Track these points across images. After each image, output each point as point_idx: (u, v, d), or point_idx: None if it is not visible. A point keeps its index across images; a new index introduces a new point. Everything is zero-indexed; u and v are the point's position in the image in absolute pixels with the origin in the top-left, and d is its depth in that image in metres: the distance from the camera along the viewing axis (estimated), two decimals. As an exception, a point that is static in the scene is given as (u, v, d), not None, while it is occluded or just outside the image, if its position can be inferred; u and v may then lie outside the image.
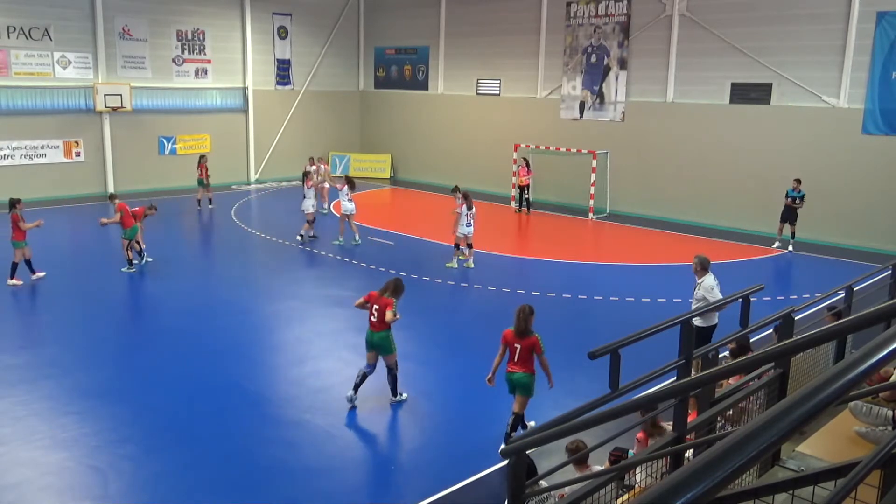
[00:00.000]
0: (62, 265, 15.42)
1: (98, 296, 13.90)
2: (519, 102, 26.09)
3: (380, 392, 9.87)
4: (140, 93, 25.21)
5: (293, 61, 29.33)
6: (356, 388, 9.26)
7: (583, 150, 23.59)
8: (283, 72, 29.19)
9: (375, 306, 9.21)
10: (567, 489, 5.21)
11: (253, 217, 22.70)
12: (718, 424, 4.89)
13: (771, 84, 20.23)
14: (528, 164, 23.56)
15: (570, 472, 5.99)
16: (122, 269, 15.35)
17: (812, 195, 18.78)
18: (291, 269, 16.27)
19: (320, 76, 30.16)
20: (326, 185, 22.51)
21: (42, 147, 23.70)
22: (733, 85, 20.96)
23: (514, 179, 24.53)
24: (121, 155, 25.14)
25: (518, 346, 8.10)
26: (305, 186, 19.03)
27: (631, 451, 6.25)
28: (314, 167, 22.11)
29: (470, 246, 16.18)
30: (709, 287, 9.68)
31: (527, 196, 23.62)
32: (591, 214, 22.81)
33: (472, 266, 16.08)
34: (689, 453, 4.43)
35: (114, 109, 24.52)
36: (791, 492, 2.90)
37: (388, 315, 9.03)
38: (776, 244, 18.61)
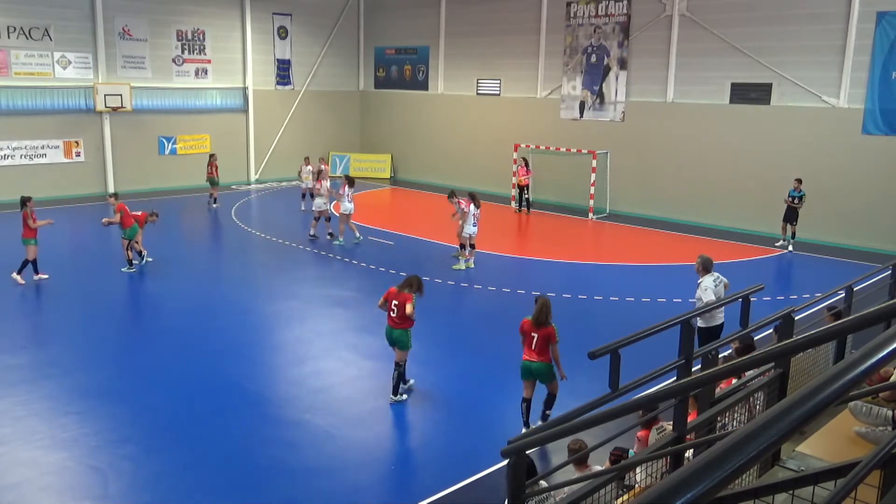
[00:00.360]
0: (62, 265, 15.41)
1: (98, 296, 13.90)
2: (519, 102, 26.09)
3: (380, 392, 9.87)
4: (140, 93, 25.21)
5: (293, 61, 29.33)
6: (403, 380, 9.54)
7: (583, 150, 23.59)
8: (283, 72, 29.19)
9: (395, 302, 9.26)
10: (567, 489, 5.21)
11: (253, 217, 22.70)
12: (719, 424, 4.88)
13: (771, 84, 20.23)
14: (527, 164, 23.56)
15: (571, 472, 5.99)
16: (122, 270, 15.36)
17: (812, 195, 18.81)
18: (291, 269, 16.27)
19: (320, 76, 30.17)
20: (328, 185, 22.45)
21: (42, 147, 23.71)
22: (733, 85, 20.96)
23: (513, 179, 24.54)
24: (121, 155, 25.15)
25: (535, 336, 8.31)
26: (317, 185, 19.21)
27: (631, 451, 6.25)
28: (325, 167, 22.22)
29: (472, 246, 16.16)
30: (703, 288, 9.70)
31: (527, 196, 23.62)
32: (591, 214, 22.81)
33: (472, 266, 16.08)
34: (689, 453, 4.43)
35: (114, 109, 24.52)
36: (791, 492, 2.90)
37: (409, 308, 9.08)
38: (780, 243, 18.63)
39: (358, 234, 18.29)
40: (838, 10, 18.88)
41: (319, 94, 30.19)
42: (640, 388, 5.53)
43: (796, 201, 18.21)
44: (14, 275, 14.23)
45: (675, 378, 5.90)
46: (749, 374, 5.68)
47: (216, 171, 23.21)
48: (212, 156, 23.78)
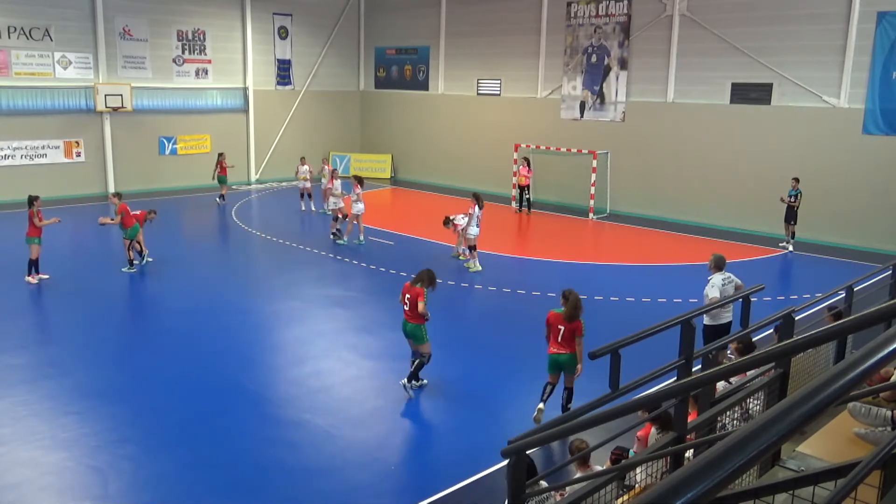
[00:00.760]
0: (63, 265, 15.41)
1: (98, 296, 13.90)
2: (519, 102, 26.09)
3: (380, 392, 9.88)
4: (140, 93, 25.21)
5: (293, 61, 29.33)
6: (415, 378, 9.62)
7: (583, 150, 23.59)
8: (284, 72, 29.19)
9: (408, 296, 9.42)
10: (567, 489, 5.21)
11: (253, 217, 22.70)
12: (719, 424, 4.88)
13: (771, 84, 20.22)
14: (528, 163, 23.56)
15: (571, 472, 5.99)
16: (123, 269, 15.36)
17: (813, 195, 18.83)
18: (291, 269, 16.27)
19: (320, 76, 30.16)
20: (330, 185, 22.48)
21: (42, 147, 23.71)
22: (733, 85, 20.96)
23: (514, 179, 24.54)
24: (121, 155, 25.15)
25: (562, 328, 8.51)
26: (330, 185, 19.55)
27: (632, 451, 6.25)
28: (328, 167, 22.34)
29: (473, 248, 16.12)
30: (711, 285, 9.81)
31: (527, 196, 23.62)
32: (591, 214, 22.81)
33: (481, 268, 15.95)
34: (689, 453, 4.43)
35: (114, 109, 24.52)
36: (791, 492, 2.90)
37: (421, 306, 9.26)
38: (783, 244, 18.64)
39: (362, 238, 18.29)
40: (838, 10, 18.88)
41: (320, 94, 30.19)
42: (641, 388, 5.52)
43: (793, 200, 18.23)
44: (27, 278, 14.30)
45: (675, 378, 5.90)
46: (749, 373, 5.68)
47: (225, 169, 23.57)
48: (220, 155, 23.99)
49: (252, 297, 14.05)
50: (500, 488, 7.19)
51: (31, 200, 14.31)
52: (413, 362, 9.63)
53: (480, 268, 15.94)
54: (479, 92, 27.41)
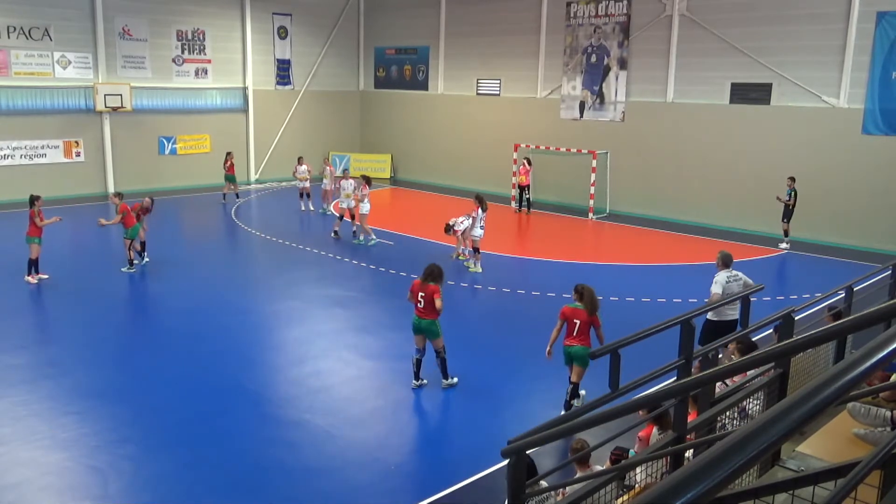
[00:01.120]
0: (62, 265, 15.41)
1: (98, 296, 13.90)
2: (519, 102, 26.09)
3: (380, 392, 9.88)
4: (140, 93, 25.21)
5: (293, 61, 29.33)
6: (416, 375, 9.71)
7: (583, 150, 23.59)
8: (283, 72, 29.19)
9: (421, 293, 9.47)
10: (567, 489, 5.21)
11: (253, 217, 22.71)
12: (719, 424, 4.89)
13: (771, 84, 20.23)
14: (528, 163, 23.56)
15: (571, 472, 5.99)
16: (122, 269, 15.36)
17: (812, 195, 18.88)
18: (291, 269, 16.27)
19: (320, 76, 30.16)
20: (331, 186, 22.50)
21: (42, 147, 23.71)
22: (733, 85, 20.96)
23: (514, 179, 24.55)
24: (121, 155, 25.15)
25: (578, 322, 8.73)
26: (330, 186, 20.07)
27: (632, 451, 6.25)
28: (329, 167, 22.41)
29: (476, 250, 16.08)
30: (714, 281, 9.89)
31: (527, 196, 23.62)
32: (591, 214, 22.81)
33: (481, 270, 15.92)
34: (689, 453, 4.43)
35: (114, 109, 24.52)
36: (791, 492, 2.90)
37: (439, 303, 9.44)
38: (783, 244, 18.70)
39: (361, 238, 18.29)
40: (838, 10, 18.88)
41: (319, 94, 30.19)
42: (641, 388, 5.53)
43: (788, 199, 18.35)
44: (26, 277, 14.30)
45: (675, 378, 5.90)
46: (749, 373, 5.69)
47: (233, 167, 24.07)
48: (228, 153, 24.44)
49: (252, 297, 14.05)
50: (500, 488, 7.20)
51: (33, 200, 14.32)
52: (416, 361, 9.67)
53: (481, 269, 15.93)
54: (479, 92, 27.41)
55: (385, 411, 9.28)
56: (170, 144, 26.38)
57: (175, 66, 26.29)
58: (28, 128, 23.26)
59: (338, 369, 10.59)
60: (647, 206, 22.80)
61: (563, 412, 8.78)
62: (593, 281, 15.31)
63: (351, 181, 19.30)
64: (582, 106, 24.42)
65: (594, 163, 22.97)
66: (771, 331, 8.36)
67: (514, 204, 24.16)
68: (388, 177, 30.07)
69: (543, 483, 5.59)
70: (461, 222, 16.47)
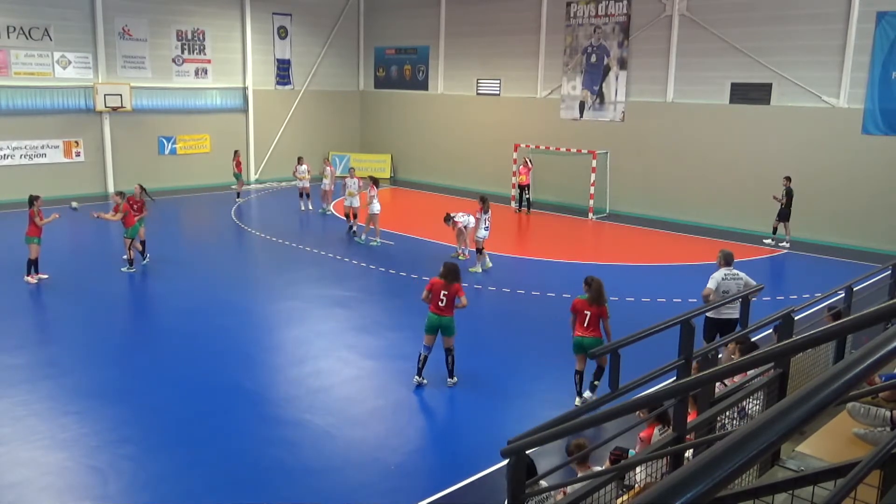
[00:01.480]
0: (63, 265, 15.41)
1: (98, 296, 13.90)
2: (519, 102, 26.09)
3: (379, 392, 9.88)
4: (140, 93, 25.20)
5: (293, 61, 29.33)
6: (420, 371, 9.77)
7: (583, 150, 23.59)
8: (283, 72, 29.19)
9: (444, 292, 9.60)
10: (567, 489, 5.21)
11: (253, 217, 22.71)
12: (718, 424, 4.88)
13: (771, 84, 20.23)
14: (529, 162, 23.56)
15: (571, 472, 5.99)
16: (122, 269, 15.36)
17: (812, 195, 18.93)
18: (291, 269, 16.27)
19: (320, 76, 30.16)
20: (332, 186, 22.52)
21: (42, 147, 23.70)
22: (733, 85, 20.96)
23: (514, 179, 24.55)
24: (121, 155, 25.14)
25: (588, 313, 9.06)
26: (330, 186, 20.74)
27: (632, 451, 6.25)
28: (329, 168, 22.46)
29: (480, 250, 16.04)
30: (711, 277, 9.97)
31: (527, 196, 23.63)
32: (591, 214, 22.81)
33: (480, 271, 15.92)
34: (688, 453, 4.43)
35: (114, 109, 24.52)
36: (791, 492, 2.90)
37: (465, 300, 9.74)
38: (783, 243, 18.77)
39: (364, 238, 18.31)
40: (838, 10, 18.88)
41: (319, 94, 30.19)
42: (640, 388, 5.53)
43: (782, 198, 18.55)
44: (25, 277, 14.29)
45: (675, 378, 5.90)
46: (749, 373, 5.68)
47: (240, 166, 24.65)
48: (236, 152, 25.07)
49: (252, 297, 14.05)
50: (500, 488, 7.20)
51: (32, 200, 14.32)
52: (424, 358, 9.75)
53: (480, 270, 15.91)
54: (479, 92, 27.41)
55: (385, 411, 9.28)
56: (170, 144, 26.38)
57: (175, 66, 26.29)
58: (28, 128, 23.26)
59: (338, 369, 10.59)
60: (647, 206, 22.80)
61: (588, 392, 9.22)
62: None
63: (356, 180, 19.35)
64: (582, 106, 24.42)
65: (594, 163, 22.97)
66: (771, 331, 8.36)
67: (513, 204, 24.16)
68: (388, 177, 30.06)
69: (543, 483, 5.59)
70: (462, 216, 16.47)
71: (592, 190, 22.95)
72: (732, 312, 9.60)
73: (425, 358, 9.76)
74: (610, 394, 5.26)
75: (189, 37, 26.48)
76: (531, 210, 23.50)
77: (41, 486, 7.34)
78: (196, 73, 26.82)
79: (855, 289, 8.04)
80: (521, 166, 23.65)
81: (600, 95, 23.90)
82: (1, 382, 9.75)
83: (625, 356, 5.33)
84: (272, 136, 28.96)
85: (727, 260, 10.09)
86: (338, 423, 8.85)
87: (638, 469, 4.93)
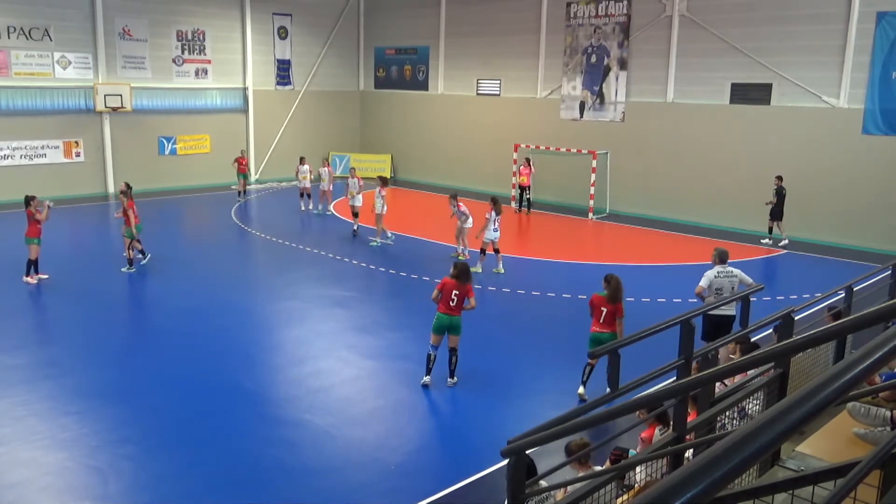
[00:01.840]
0: (63, 265, 15.41)
1: (98, 296, 13.90)
2: (519, 102, 26.09)
3: (380, 392, 9.88)
4: (140, 93, 25.21)
5: (293, 61, 29.33)
6: (429, 371, 9.80)
7: (583, 150, 23.59)
8: (283, 72, 29.19)
9: (455, 292, 9.66)
10: (567, 489, 5.21)
11: (253, 217, 22.71)
12: (718, 424, 4.88)
13: (771, 84, 20.23)
14: (529, 162, 23.56)
15: (571, 472, 5.99)
16: (122, 270, 15.36)
17: (812, 195, 18.99)
18: (291, 269, 16.27)
19: (320, 76, 30.17)
20: (331, 187, 22.52)
21: (42, 147, 23.71)
22: (733, 85, 20.96)
23: (514, 179, 24.56)
24: (121, 155, 25.15)
25: (604, 310, 9.33)
26: (329, 187, 21.28)
27: (632, 451, 6.25)
28: (328, 168, 22.51)
29: (497, 251, 15.99)
30: (704, 276, 10.06)
31: (528, 196, 23.63)
32: (591, 214, 22.81)
33: (503, 272, 15.77)
34: (689, 453, 4.43)
35: (114, 109, 24.52)
36: (791, 492, 2.90)
37: (474, 302, 9.82)
38: (783, 242, 18.85)
39: (378, 240, 18.33)
40: (838, 10, 18.88)
41: (319, 94, 30.19)
42: (640, 388, 5.53)
43: (774, 198, 18.75)
44: (25, 278, 14.27)
45: (674, 378, 5.90)
46: (750, 373, 5.68)
47: (243, 167, 24.91)
48: (242, 151, 25.50)
49: (252, 296, 14.05)
50: (501, 488, 7.20)
51: (28, 200, 14.28)
52: (433, 357, 9.77)
53: (480, 269, 15.84)
54: (479, 92, 27.41)
55: (385, 411, 9.28)
56: (170, 145, 26.38)
57: (175, 66, 26.29)
58: (28, 128, 23.26)
59: (338, 369, 10.59)
60: (647, 206, 22.80)
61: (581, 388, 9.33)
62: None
63: (356, 180, 19.37)
64: (582, 106, 24.42)
65: (594, 163, 22.97)
66: (771, 331, 8.36)
67: (514, 204, 24.15)
68: (388, 177, 30.03)
69: (543, 483, 5.59)
70: (464, 208, 16.42)
71: (592, 190, 22.94)
72: (727, 309, 9.65)
73: (434, 357, 9.77)
74: (610, 394, 5.26)
75: (189, 37, 26.48)
76: (531, 210, 23.50)
77: (41, 486, 7.34)
78: (196, 73, 26.82)
79: (855, 289, 8.05)
80: (522, 166, 23.65)
81: (600, 95, 23.90)
82: (1, 382, 9.75)
83: (625, 356, 5.33)
84: (272, 136, 28.96)
85: (721, 258, 10.16)
86: (338, 423, 8.85)
87: (638, 469, 4.93)
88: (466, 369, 10.24)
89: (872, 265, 13.32)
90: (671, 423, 6.00)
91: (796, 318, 6.15)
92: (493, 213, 15.59)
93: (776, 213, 18.79)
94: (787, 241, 18.83)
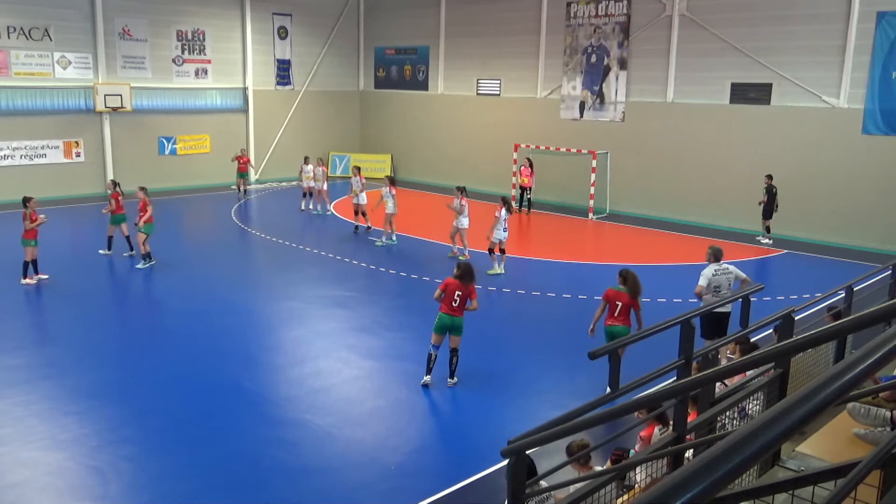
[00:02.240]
0: (62, 265, 15.40)
1: (98, 296, 13.90)
2: (519, 102, 26.09)
3: (380, 392, 9.88)
4: (140, 93, 25.21)
5: (293, 61, 29.33)
6: (430, 370, 9.81)
7: (583, 150, 23.59)
8: (283, 72, 29.19)
9: (458, 292, 9.65)
10: (567, 488, 5.21)
11: (253, 217, 22.71)
12: (719, 424, 4.88)
13: (771, 84, 20.23)
14: (531, 165, 23.54)
15: (571, 472, 5.99)
16: (138, 266, 15.54)
17: (812, 195, 19.00)
18: (291, 269, 16.27)
19: (320, 76, 30.16)
20: (325, 186, 22.52)
21: (42, 147, 23.70)
22: (733, 85, 20.96)
23: (514, 179, 24.55)
24: (121, 155, 25.14)
25: (620, 304, 9.52)
26: (324, 187, 21.45)
27: (632, 451, 6.24)
28: (323, 168, 22.54)
29: (503, 251, 15.99)
30: (702, 274, 10.14)
31: (528, 196, 23.62)
32: (591, 214, 22.81)
33: (504, 272, 15.80)
34: (689, 453, 4.43)
35: (114, 109, 24.52)
36: (791, 492, 2.90)
37: (476, 303, 9.85)
38: (764, 240, 19.21)
39: (384, 240, 18.33)
40: (838, 10, 18.88)
41: (319, 94, 30.19)
42: (640, 389, 5.53)
43: (765, 198, 18.97)
44: (23, 280, 14.22)
45: (675, 378, 5.90)
46: (748, 374, 5.69)
47: (245, 166, 25.15)
48: (242, 150, 25.73)
49: (252, 297, 14.05)
50: (501, 489, 7.20)
51: (26, 201, 14.20)
52: (434, 357, 9.78)
53: (500, 271, 15.76)
54: (479, 92, 27.41)
55: (385, 411, 9.29)
56: (170, 145, 26.38)
57: (175, 66, 26.29)
58: (28, 128, 23.26)
59: (338, 369, 10.59)
60: (647, 206, 22.80)
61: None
62: (594, 281, 15.39)
63: (359, 178, 19.42)
64: (582, 106, 24.42)
65: (594, 163, 22.97)
66: (771, 331, 8.36)
67: (514, 204, 24.12)
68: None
69: (543, 483, 5.59)
70: (465, 205, 16.43)
71: (592, 190, 22.94)
72: (723, 306, 9.68)
73: (434, 357, 9.78)
74: (610, 394, 5.26)
75: (189, 37, 26.48)
76: (531, 210, 23.49)
77: (41, 487, 7.34)
78: (196, 73, 26.82)
79: (855, 289, 8.05)
80: (524, 167, 23.63)
81: (600, 95, 23.90)
82: (1, 383, 9.75)
83: (625, 356, 5.33)
84: (272, 136, 28.96)
85: (716, 256, 10.25)
86: (338, 424, 8.85)
87: (638, 469, 4.93)
88: (466, 369, 10.24)
89: (872, 265, 13.31)
90: (671, 422, 6.01)
91: (796, 318, 6.15)
92: (504, 213, 15.58)
93: (766, 212, 19.00)
94: (769, 241, 19.09)
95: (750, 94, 20.68)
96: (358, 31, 31.20)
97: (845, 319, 2.98)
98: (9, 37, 22.64)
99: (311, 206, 22.77)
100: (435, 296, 9.86)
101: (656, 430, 6.11)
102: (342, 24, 30.52)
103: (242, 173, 25.00)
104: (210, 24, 26.92)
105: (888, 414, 4.88)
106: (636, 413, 5.76)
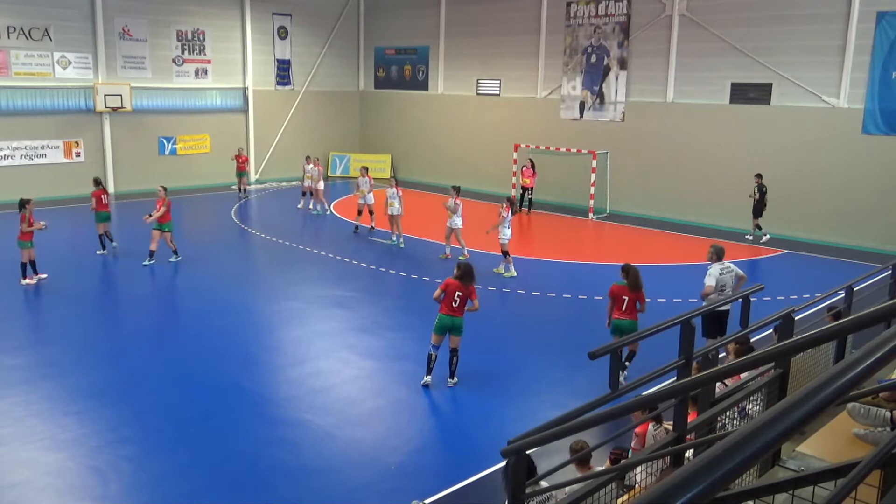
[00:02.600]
0: (62, 265, 15.40)
1: (97, 296, 13.90)
2: (519, 102, 26.08)
3: (380, 392, 9.88)
4: (140, 93, 25.21)
5: (293, 61, 29.33)
6: (430, 371, 9.82)
7: (583, 150, 23.59)
8: (283, 72, 29.19)
9: (458, 293, 9.64)
10: (567, 489, 5.21)
11: (253, 217, 22.71)
12: (719, 424, 4.88)
13: (771, 84, 20.23)
14: (533, 166, 23.53)
15: (571, 472, 5.99)
16: (171, 260, 15.93)
17: (812, 195, 19.00)
18: (291, 269, 16.27)
19: (320, 76, 30.16)
20: (321, 186, 22.51)
21: (42, 147, 23.70)
22: (733, 85, 20.96)
23: (514, 180, 24.54)
24: (121, 155, 25.15)
25: (626, 298, 9.72)
26: (319, 185, 21.43)
27: (630, 449, 6.24)
28: (319, 168, 22.53)
29: (506, 254, 15.91)
30: (708, 274, 10.14)
31: (529, 196, 23.61)
32: (591, 214, 22.80)
33: (515, 274, 15.71)
34: (689, 453, 4.43)
35: (114, 110, 24.52)
36: (791, 492, 2.90)
37: (477, 304, 9.84)
38: (748, 237, 19.52)
39: (394, 240, 18.36)
40: (838, 10, 18.88)
41: (319, 94, 30.19)
42: (640, 388, 5.53)
43: (756, 196, 19.24)
44: (22, 281, 14.20)
45: (675, 378, 5.90)
46: (743, 376, 5.69)
47: (243, 165, 25.38)
48: (241, 149, 26.10)
49: (252, 297, 14.05)
50: (501, 488, 7.20)
51: (23, 203, 14.13)
52: (434, 357, 9.78)
53: (513, 273, 15.69)
54: (479, 92, 27.41)
55: (385, 411, 9.29)
56: (170, 145, 26.38)
57: (175, 66, 26.29)
58: (28, 128, 23.26)
59: (338, 369, 10.59)
60: (647, 206, 22.80)
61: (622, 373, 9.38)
62: (594, 281, 15.39)
63: (367, 178, 19.47)
64: (582, 106, 24.42)
65: (594, 163, 22.96)
66: (771, 331, 8.36)
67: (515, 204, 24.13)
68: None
69: (543, 483, 5.59)
70: (459, 205, 16.45)
71: (592, 190, 22.94)
72: (725, 306, 9.69)
73: (435, 357, 9.78)
74: (609, 394, 5.26)
75: (189, 37, 26.48)
76: (531, 210, 23.49)
77: (41, 487, 7.34)
78: (196, 73, 26.82)
79: (855, 289, 8.04)
80: (525, 168, 23.61)
81: (600, 95, 23.90)
82: (1, 383, 9.75)
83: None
84: (272, 136, 28.96)
85: (719, 255, 10.28)
86: (338, 423, 8.85)
87: (638, 469, 4.93)
88: (466, 369, 10.24)
89: (872, 265, 13.31)
90: (662, 420, 6.02)
91: (796, 318, 6.15)
92: (510, 213, 15.60)
93: (757, 210, 19.20)
94: (752, 238, 19.37)
95: (750, 94, 20.68)
96: (358, 31, 31.20)
97: (845, 319, 2.98)
98: (9, 37, 22.64)
99: (310, 206, 22.76)
100: (435, 296, 9.84)
101: (650, 426, 6.11)
102: (342, 24, 30.52)
103: (241, 172, 25.10)
104: (210, 24, 26.92)
105: (888, 414, 4.88)
106: (632, 415, 5.77)
